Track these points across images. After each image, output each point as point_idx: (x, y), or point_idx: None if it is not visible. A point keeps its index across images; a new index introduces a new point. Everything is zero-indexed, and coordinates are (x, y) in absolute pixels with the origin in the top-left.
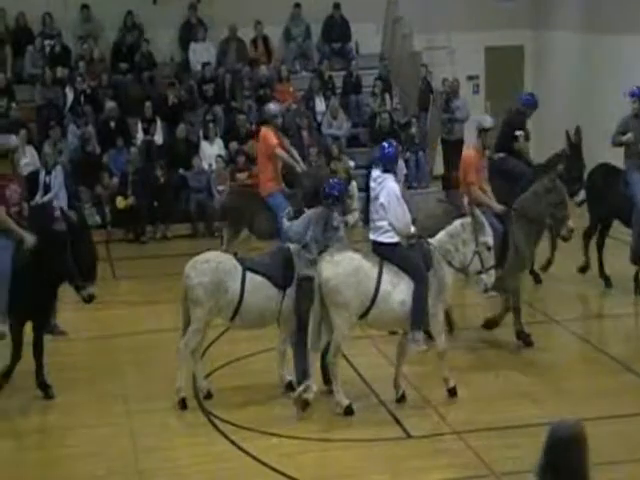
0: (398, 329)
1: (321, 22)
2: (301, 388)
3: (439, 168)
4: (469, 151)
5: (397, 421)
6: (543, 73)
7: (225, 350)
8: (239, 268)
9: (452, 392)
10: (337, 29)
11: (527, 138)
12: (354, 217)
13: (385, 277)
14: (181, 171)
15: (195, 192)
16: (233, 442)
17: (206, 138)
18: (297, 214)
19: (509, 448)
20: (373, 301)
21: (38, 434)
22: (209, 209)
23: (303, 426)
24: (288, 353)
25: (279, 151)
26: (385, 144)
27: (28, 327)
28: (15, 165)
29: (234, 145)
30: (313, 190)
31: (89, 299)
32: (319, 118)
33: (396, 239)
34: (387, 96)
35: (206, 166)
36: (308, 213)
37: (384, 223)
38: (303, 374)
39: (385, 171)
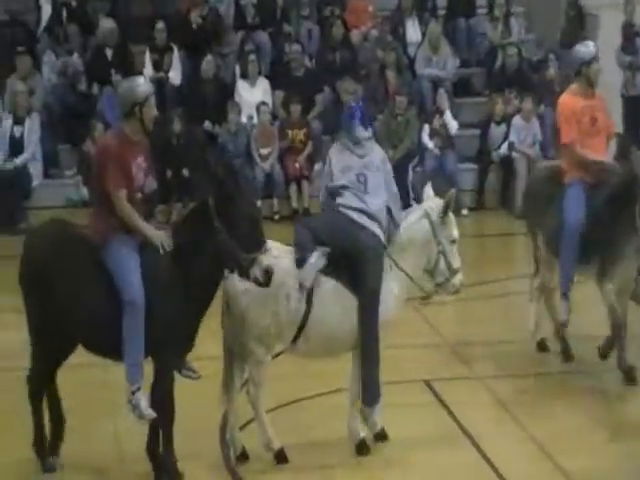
0: None
1: None
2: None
3: None
4: None
5: None
6: None
7: (270, 390)
8: None
9: None
10: None
11: None
12: None
13: None
14: (208, 125)
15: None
16: None
17: (244, 77)
18: None
19: None
20: None
21: None
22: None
23: None
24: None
25: (577, 149)
26: None
27: None
28: (146, 126)
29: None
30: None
31: (268, 274)
32: (411, 52)
33: None
34: (514, 21)
35: (244, 119)
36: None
37: None
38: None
39: None
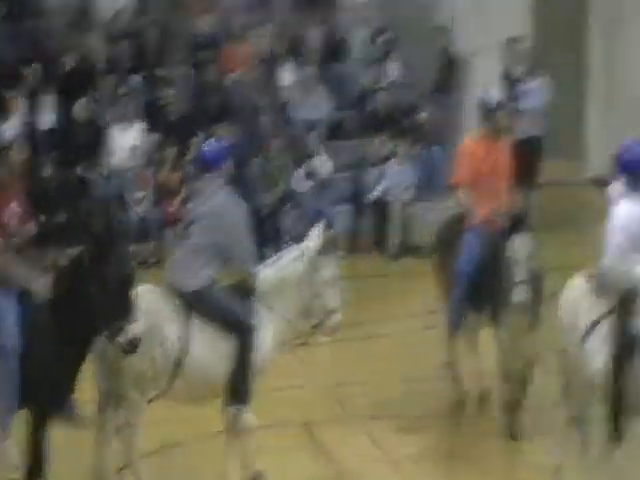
0: None
1: None
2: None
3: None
4: None
5: None
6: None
7: (149, 433)
8: (178, 305)
9: None
10: None
11: None
12: (520, 295)
13: None
14: (80, 170)
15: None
16: None
17: (118, 121)
18: None
19: None
20: None
21: None
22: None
23: None
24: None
25: (459, 192)
26: (631, 143)
27: None
28: (12, 171)
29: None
30: None
31: (133, 345)
32: (285, 95)
33: None
34: (387, 66)
35: (118, 162)
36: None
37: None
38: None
39: (629, 184)
